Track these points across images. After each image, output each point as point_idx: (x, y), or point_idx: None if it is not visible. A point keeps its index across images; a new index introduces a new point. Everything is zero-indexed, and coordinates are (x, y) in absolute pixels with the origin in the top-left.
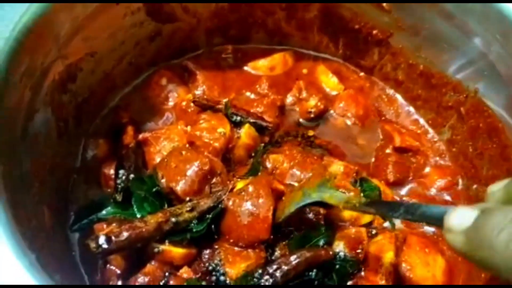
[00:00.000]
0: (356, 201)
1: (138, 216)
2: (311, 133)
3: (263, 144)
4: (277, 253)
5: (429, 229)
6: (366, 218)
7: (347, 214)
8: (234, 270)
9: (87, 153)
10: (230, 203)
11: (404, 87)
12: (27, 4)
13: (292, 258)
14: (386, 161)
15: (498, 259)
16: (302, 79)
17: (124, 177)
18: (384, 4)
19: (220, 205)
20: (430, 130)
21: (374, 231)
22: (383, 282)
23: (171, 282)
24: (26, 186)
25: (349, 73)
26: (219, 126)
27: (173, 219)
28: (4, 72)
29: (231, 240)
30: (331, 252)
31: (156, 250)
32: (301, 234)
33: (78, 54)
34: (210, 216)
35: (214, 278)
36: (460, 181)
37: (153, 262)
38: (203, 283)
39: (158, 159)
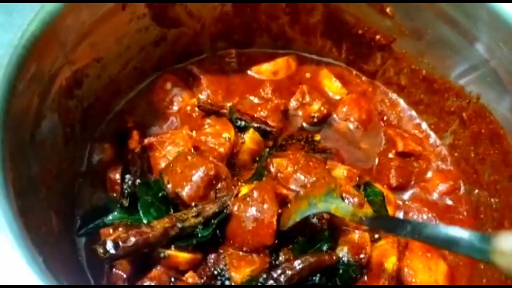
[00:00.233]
0: (363, 214)
1: (145, 221)
2: (317, 137)
3: (267, 149)
4: (281, 257)
5: None
6: None
7: None
8: (239, 274)
9: (93, 158)
10: (235, 208)
11: (406, 92)
12: (35, 11)
13: (296, 263)
14: (389, 165)
15: None
16: (305, 83)
17: (130, 182)
18: (387, 9)
19: (225, 211)
20: (432, 134)
21: (377, 236)
22: None
23: None
24: (34, 192)
25: (352, 78)
26: (223, 131)
27: (179, 225)
28: (13, 80)
29: (236, 245)
30: (334, 257)
31: (162, 255)
32: (305, 239)
33: (85, 60)
34: (215, 221)
35: (219, 282)
36: (462, 186)
37: (158, 267)
38: None
39: (163, 164)
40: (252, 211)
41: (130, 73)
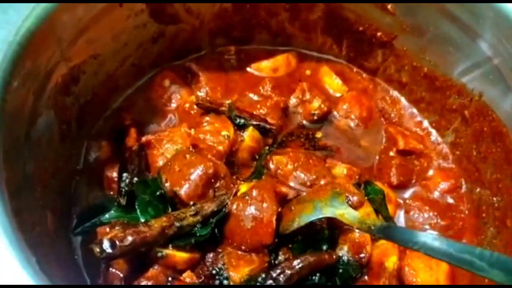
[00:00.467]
0: (371, 223)
1: (142, 220)
2: (318, 134)
3: (267, 147)
4: (281, 257)
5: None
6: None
7: None
8: (237, 274)
9: (90, 156)
10: (234, 207)
11: (408, 89)
12: (30, 8)
13: (296, 262)
14: (390, 163)
15: None
16: (305, 80)
17: (127, 180)
18: (389, 6)
19: (224, 209)
20: (434, 132)
21: None
22: None
23: None
24: (30, 191)
25: (353, 75)
26: (222, 129)
27: (177, 224)
28: (7, 76)
29: (235, 244)
30: (334, 256)
31: (159, 254)
32: (305, 238)
33: (82, 56)
34: (214, 220)
35: (217, 282)
36: (464, 184)
37: (156, 266)
38: None
39: (161, 162)
40: (251, 210)
41: (128, 69)
